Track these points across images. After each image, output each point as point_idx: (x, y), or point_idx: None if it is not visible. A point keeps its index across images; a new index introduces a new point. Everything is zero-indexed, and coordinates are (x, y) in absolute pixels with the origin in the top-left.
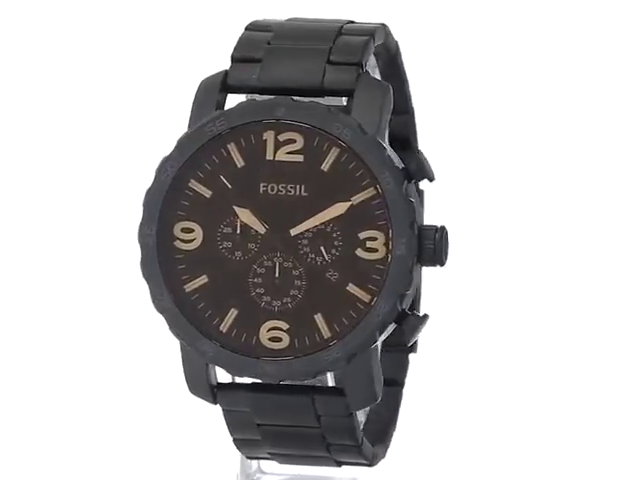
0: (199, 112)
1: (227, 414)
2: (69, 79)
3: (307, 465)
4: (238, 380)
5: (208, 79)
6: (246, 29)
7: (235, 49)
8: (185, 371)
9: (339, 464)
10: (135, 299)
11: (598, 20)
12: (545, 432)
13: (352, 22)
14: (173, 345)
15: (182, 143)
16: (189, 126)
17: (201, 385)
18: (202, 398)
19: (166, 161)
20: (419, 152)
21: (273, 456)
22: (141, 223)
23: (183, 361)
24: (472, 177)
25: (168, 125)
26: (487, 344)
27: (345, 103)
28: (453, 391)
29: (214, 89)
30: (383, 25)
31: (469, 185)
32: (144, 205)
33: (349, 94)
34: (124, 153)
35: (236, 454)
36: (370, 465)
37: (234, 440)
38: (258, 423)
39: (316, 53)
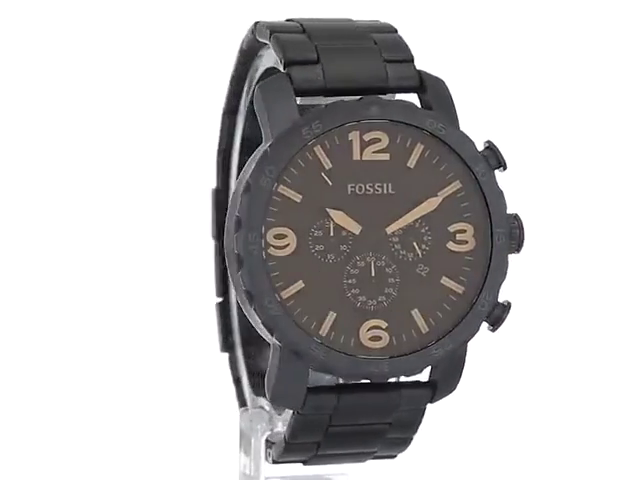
0: (278, 117)
1: (301, 418)
2: (67, 80)
3: (339, 464)
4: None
5: (271, 84)
6: (273, 32)
7: (286, 52)
8: (279, 378)
9: (370, 459)
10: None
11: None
12: (546, 432)
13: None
14: (173, 347)
15: (279, 147)
16: (272, 133)
17: (294, 392)
18: (287, 406)
19: (264, 166)
20: (489, 142)
21: (314, 458)
22: (243, 231)
23: (279, 368)
24: None
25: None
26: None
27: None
28: None
29: (288, 93)
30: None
31: None
32: (244, 213)
33: (414, 91)
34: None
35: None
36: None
37: (288, 444)
38: (330, 424)
39: (370, 52)
